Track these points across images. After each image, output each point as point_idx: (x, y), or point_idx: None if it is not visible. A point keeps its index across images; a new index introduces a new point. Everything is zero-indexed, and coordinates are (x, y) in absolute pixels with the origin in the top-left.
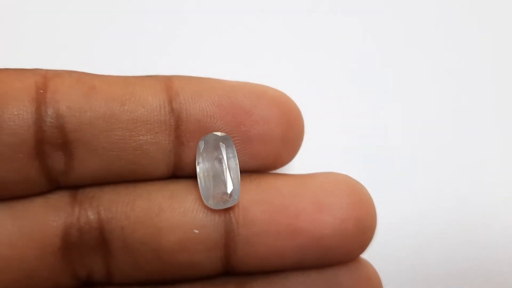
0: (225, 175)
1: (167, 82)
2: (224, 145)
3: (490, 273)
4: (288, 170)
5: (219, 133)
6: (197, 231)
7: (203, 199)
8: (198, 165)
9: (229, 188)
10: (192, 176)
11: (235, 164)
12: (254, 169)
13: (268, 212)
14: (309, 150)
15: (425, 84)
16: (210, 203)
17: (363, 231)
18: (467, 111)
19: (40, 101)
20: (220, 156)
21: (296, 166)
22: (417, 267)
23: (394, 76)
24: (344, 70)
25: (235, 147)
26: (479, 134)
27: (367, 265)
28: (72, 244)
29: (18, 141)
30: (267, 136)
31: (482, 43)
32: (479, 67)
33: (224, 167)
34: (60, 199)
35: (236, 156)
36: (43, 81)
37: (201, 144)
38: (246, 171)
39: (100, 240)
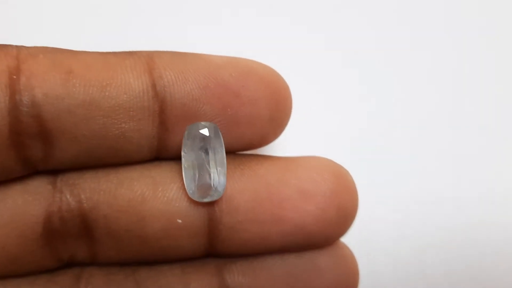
0: (210, 167)
1: (149, 62)
2: (211, 136)
3: (482, 263)
4: (273, 150)
5: (206, 123)
6: (180, 221)
7: (187, 191)
8: (183, 156)
9: (214, 181)
10: (176, 158)
11: (221, 155)
12: (239, 149)
13: (252, 201)
14: (295, 129)
15: (418, 72)
16: (194, 196)
17: (344, 217)
18: (463, 107)
19: (14, 88)
20: (207, 147)
21: (282, 144)
22: (398, 249)
23: (388, 64)
24: (341, 56)
25: (221, 130)
26: (475, 129)
27: (343, 247)
28: (54, 231)
29: None
30: (254, 118)
31: (482, 43)
32: (478, 66)
33: (210, 158)
34: (39, 185)
35: (223, 146)
36: (16, 64)
37: (187, 134)
38: (230, 152)
39: (83, 227)
